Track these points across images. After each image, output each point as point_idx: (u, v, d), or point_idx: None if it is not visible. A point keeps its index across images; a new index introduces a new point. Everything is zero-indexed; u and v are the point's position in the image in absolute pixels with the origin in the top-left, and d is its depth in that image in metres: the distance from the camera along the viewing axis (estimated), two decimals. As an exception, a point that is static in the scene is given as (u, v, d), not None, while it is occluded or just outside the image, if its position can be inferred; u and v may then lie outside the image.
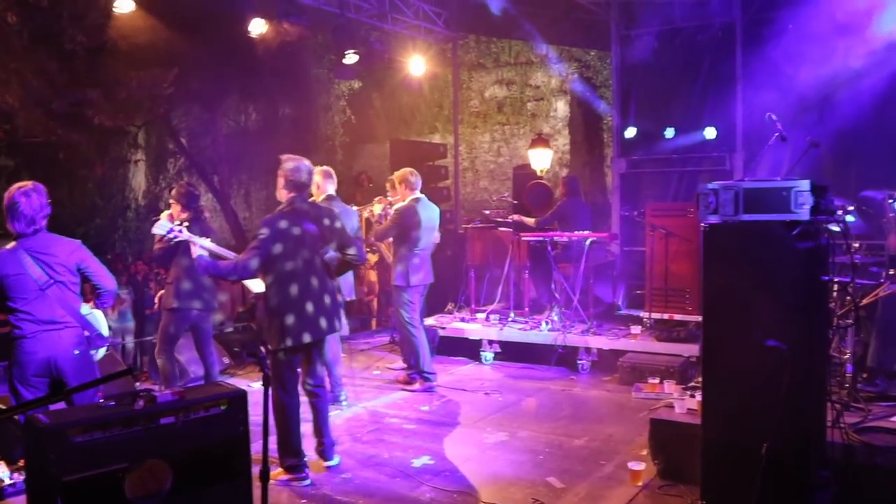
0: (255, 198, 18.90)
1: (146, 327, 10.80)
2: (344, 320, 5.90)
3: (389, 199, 7.27)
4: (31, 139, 13.32)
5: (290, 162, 4.78)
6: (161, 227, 4.97)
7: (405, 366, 7.24)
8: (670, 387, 6.06)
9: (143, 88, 14.77)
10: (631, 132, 9.93)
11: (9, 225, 4.31)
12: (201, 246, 4.87)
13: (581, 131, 14.16)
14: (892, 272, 5.74)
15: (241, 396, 3.64)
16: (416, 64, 11.30)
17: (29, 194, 4.28)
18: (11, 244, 4.30)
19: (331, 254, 4.84)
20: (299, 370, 4.86)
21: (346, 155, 16.55)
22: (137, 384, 6.45)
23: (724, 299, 3.79)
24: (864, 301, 5.46)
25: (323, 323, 4.72)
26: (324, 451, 4.93)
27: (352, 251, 4.88)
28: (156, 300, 6.26)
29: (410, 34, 11.28)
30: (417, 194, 6.83)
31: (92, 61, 12.38)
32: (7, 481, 4.51)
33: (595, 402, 6.51)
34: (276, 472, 4.66)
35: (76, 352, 4.36)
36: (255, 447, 3.71)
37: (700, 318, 4.47)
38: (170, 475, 3.41)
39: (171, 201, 6.13)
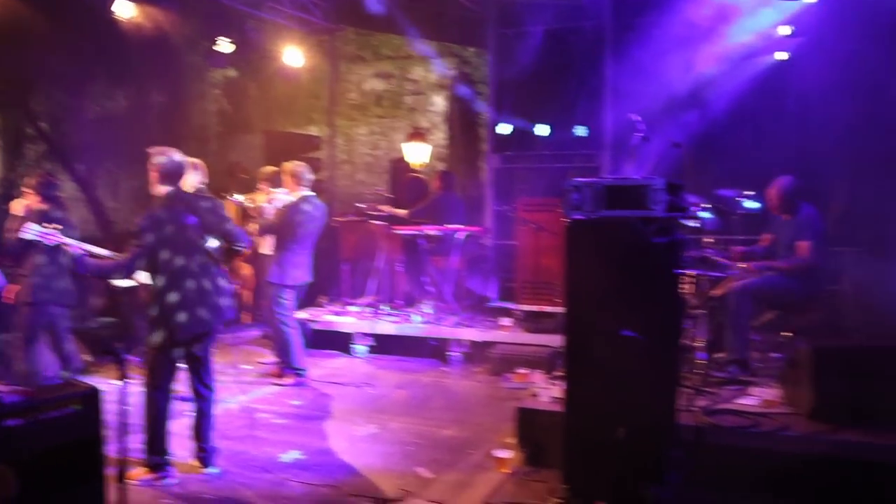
0: (123, 187, 17.98)
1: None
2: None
3: (276, 192, 7.07)
4: None
5: (160, 155, 4.62)
6: (30, 231, 4.67)
7: (276, 360, 7.12)
8: (538, 376, 6.24)
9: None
10: (505, 128, 10.13)
11: None
12: (78, 246, 4.62)
13: (458, 126, 14.29)
14: (741, 265, 6.13)
15: (94, 395, 3.48)
16: (293, 55, 11.11)
17: None
18: None
19: (217, 243, 4.72)
20: (185, 370, 4.72)
21: (220, 145, 16.01)
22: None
23: (584, 291, 3.94)
24: (716, 292, 5.81)
25: (207, 316, 4.60)
26: (206, 457, 4.75)
27: (232, 239, 4.80)
28: (4, 293, 5.87)
29: (287, 24, 11.07)
30: (306, 191, 6.71)
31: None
32: None
33: (465, 393, 6.62)
34: (138, 472, 4.49)
35: None
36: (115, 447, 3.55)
37: (567, 310, 4.63)
38: (14, 480, 3.22)
39: (25, 190, 5.78)
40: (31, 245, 5.37)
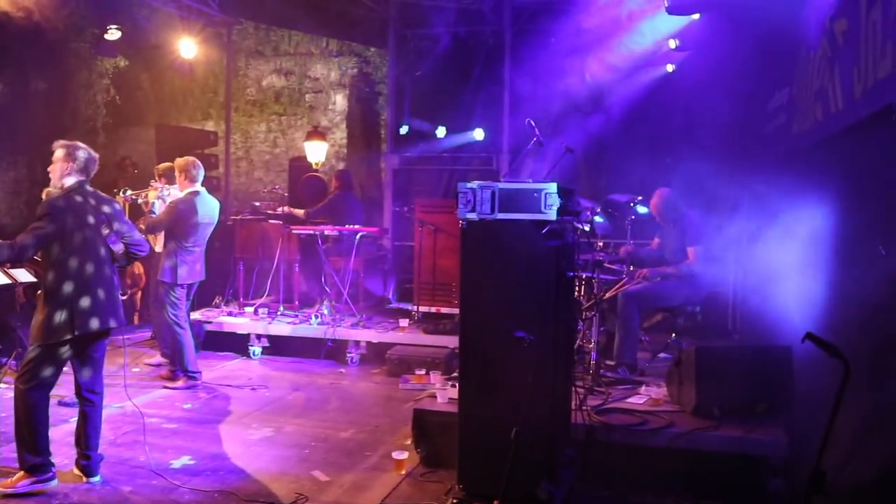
0: (1, 179, 17.09)
1: None
2: None
3: (167, 188, 6.83)
4: None
5: (79, 149, 4.48)
6: None
7: (164, 361, 6.90)
8: (436, 378, 6.28)
9: None
10: (404, 129, 10.16)
11: None
12: None
13: (359, 126, 14.23)
14: (631, 268, 6.37)
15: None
16: (188, 46, 10.77)
17: None
18: None
19: (119, 245, 4.54)
20: (70, 372, 4.50)
21: (109, 138, 15.35)
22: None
23: (478, 292, 3.99)
24: (607, 295, 6.00)
25: (104, 316, 4.41)
26: (89, 465, 4.51)
27: (139, 243, 4.71)
28: None
29: (182, 14, 10.72)
30: (197, 187, 6.50)
31: None
32: None
33: (363, 395, 6.58)
34: (15, 478, 4.24)
35: None
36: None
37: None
38: None
39: None
40: None
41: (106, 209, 4.54)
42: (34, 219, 4.28)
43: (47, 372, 4.30)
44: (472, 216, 3.95)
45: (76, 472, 4.54)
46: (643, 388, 5.36)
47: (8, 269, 6.29)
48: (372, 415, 5.96)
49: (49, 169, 4.51)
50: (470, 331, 4.02)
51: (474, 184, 3.94)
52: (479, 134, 9.84)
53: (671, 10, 7.08)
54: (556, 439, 4.05)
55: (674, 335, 6.45)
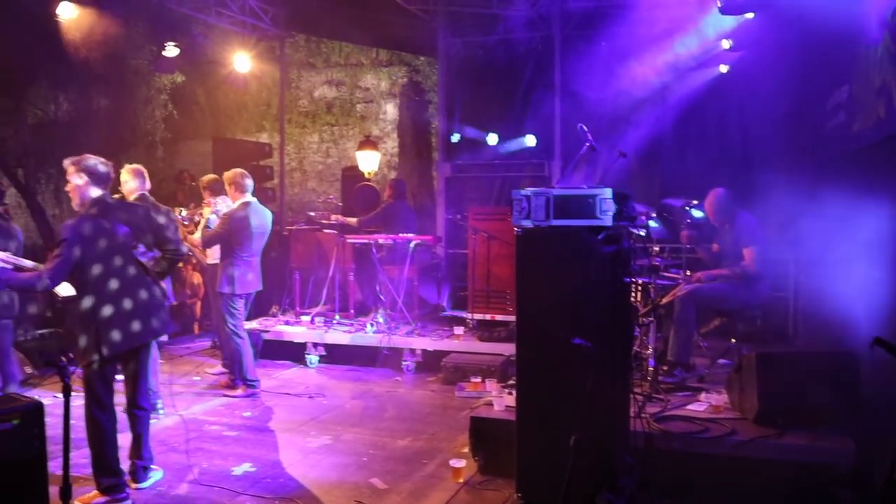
0: (65, 194, 17.55)
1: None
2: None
3: (219, 202, 6.95)
4: None
5: (88, 160, 4.41)
6: None
7: (224, 370, 7.03)
8: (491, 385, 6.26)
9: (-70, 71, 13.39)
10: (456, 137, 10.19)
11: None
12: (1, 258, 4.45)
13: (410, 135, 14.34)
14: (688, 273, 6.26)
15: (36, 410, 3.39)
16: (242, 61, 11.00)
17: None
18: None
19: (149, 254, 4.59)
20: (121, 383, 4.58)
21: (167, 152, 15.76)
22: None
23: (535, 300, 3.97)
24: (664, 300, 5.91)
25: (140, 329, 4.42)
26: (138, 473, 4.61)
27: (170, 247, 4.67)
28: None
29: (236, 29, 10.95)
30: (248, 197, 6.60)
31: None
32: None
33: (419, 403, 6.60)
34: (91, 495, 4.33)
35: None
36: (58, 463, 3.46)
37: (518, 318, 4.69)
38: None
39: None
40: None
41: (133, 219, 4.49)
42: (54, 245, 4.26)
43: (98, 389, 4.36)
44: (527, 223, 3.94)
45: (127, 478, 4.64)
46: (703, 395, 5.25)
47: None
48: (428, 423, 5.97)
49: (67, 189, 4.47)
50: (527, 338, 4.01)
51: (528, 191, 3.93)
52: (530, 140, 9.81)
53: (724, 10, 6.97)
54: (616, 447, 4.01)
55: (733, 340, 6.32)
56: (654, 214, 6.93)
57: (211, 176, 7.33)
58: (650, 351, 5.61)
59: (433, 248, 9.23)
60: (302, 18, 11.56)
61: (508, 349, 7.09)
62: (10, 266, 4.45)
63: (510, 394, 5.00)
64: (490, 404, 5.14)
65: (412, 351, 7.57)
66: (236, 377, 6.68)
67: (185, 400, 6.44)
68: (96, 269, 4.26)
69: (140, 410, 4.64)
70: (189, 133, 15.77)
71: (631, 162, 8.48)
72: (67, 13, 9.20)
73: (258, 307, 8.05)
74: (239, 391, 6.63)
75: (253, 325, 7.90)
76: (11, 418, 3.31)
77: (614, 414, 4.00)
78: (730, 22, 7.78)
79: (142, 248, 4.51)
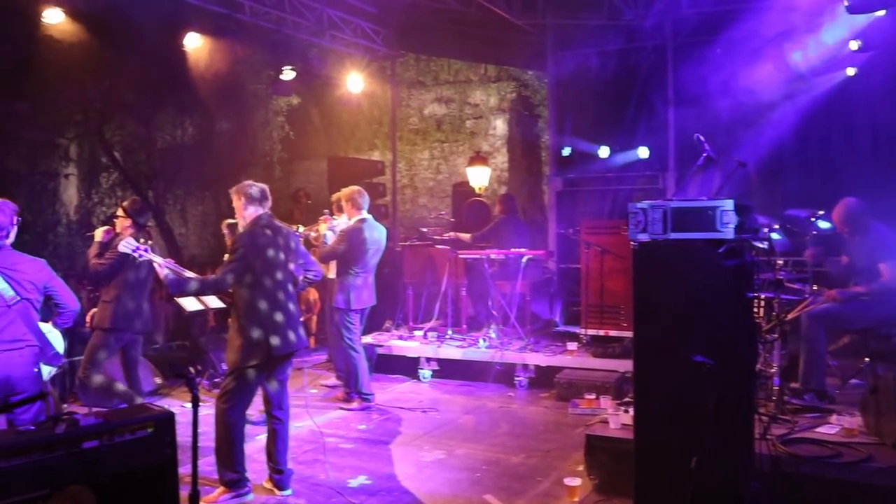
0: (191, 213, 18.52)
1: (76, 346, 10.46)
2: None
3: (334, 218, 7.15)
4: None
5: (249, 186, 4.77)
6: (127, 245, 4.78)
7: (338, 382, 7.18)
8: (606, 402, 6.14)
9: (74, 101, 14.42)
10: (567, 151, 10.09)
11: None
12: (165, 265, 4.72)
13: (519, 149, 14.33)
14: (815, 288, 5.94)
15: (168, 419, 3.55)
16: (355, 81, 11.31)
17: None
18: None
19: (299, 271, 4.90)
20: (261, 392, 4.80)
21: (284, 171, 16.37)
22: (65, 406, 6.22)
23: (653, 316, 3.86)
24: (790, 316, 5.63)
25: (293, 337, 4.69)
26: (281, 479, 4.79)
27: (314, 269, 5.05)
28: (87, 318, 6.05)
29: (349, 51, 11.28)
30: (364, 214, 6.76)
31: (20, 73, 12.03)
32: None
33: (532, 419, 6.54)
34: (217, 493, 4.57)
35: (35, 370, 4.29)
36: (186, 469, 3.61)
37: (633, 334, 4.58)
38: (93, 501, 3.30)
39: (119, 215, 5.92)
40: (119, 268, 5.56)
41: (287, 239, 4.82)
42: (229, 252, 4.60)
43: (243, 393, 4.62)
44: (644, 237, 3.84)
45: (267, 485, 4.82)
46: (834, 417, 4.95)
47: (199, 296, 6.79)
48: (542, 439, 5.90)
49: (236, 213, 4.82)
50: (644, 355, 3.90)
51: (645, 203, 3.83)
52: (643, 152, 9.61)
53: (852, 10, 6.62)
54: (740, 470, 3.83)
55: (867, 360, 5.94)
56: (776, 226, 6.64)
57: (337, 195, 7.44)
58: (775, 369, 5.35)
59: (545, 263, 9.15)
60: (412, 38, 11.78)
61: (623, 366, 6.93)
62: (172, 273, 4.72)
63: (626, 412, 4.88)
64: (605, 422, 5.03)
65: (525, 366, 7.52)
66: (352, 390, 6.81)
67: (302, 412, 6.59)
68: (264, 277, 4.57)
69: (283, 413, 4.85)
70: (305, 153, 16.32)
71: (751, 172, 8.18)
72: (193, 43, 9.70)
73: (372, 322, 8.19)
74: (354, 404, 6.76)
75: (367, 339, 8.04)
76: (146, 426, 3.48)
77: (738, 435, 3.83)
78: (858, 21, 7.38)
79: (293, 264, 4.83)
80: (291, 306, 4.73)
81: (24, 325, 4.25)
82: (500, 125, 14.48)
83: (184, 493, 3.53)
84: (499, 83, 14.52)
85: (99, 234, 5.87)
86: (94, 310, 5.89)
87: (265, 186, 5.11)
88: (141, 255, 4.78)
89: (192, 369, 3.23)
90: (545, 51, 10.34)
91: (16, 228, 4.37)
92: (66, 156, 17.47)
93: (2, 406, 3.93)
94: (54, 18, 8.57)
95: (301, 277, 4.96)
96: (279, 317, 4.61)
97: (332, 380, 7.55)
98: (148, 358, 7.27)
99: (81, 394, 6.91)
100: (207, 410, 4.86)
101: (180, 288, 4.62)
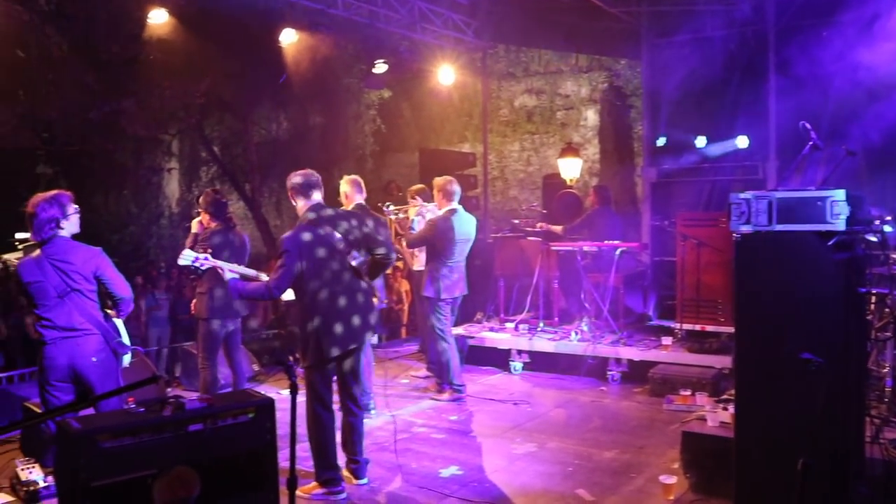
0: (285, 206, 19.04)
1: (179, 333, 10.93)
2: None
3: (426, 206, 7.19)
4: (69, 148, 13.61)
5: (290, 176, 4.72)
6: (185, 257, 4.91)
7: (429, 373, 7.25)
8: (702, 399, 5.97)
9: (177, 98, 15.04)
10: (661, 141, 9.85)
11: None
12: (230, 269, 4.85)
13: (611, 140, 14.11)
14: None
15: (268, 405, 3.65)
16: (446, 73, 11.34)
17: (44, 203, 4.37)
18: (37, 252, 4.38)
19: (359, 258, 4.82)
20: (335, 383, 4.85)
21: (375, 164, 16.63)
22: (169, 391, 6.49)
23: (757, 311, 3.72)
24: (904, 313, 5.33)
25: (356, 333, 4.65)
26: (358, 469, 4.84)
27: (381, 251, 4.79)
28: (192, 306, 6.31)
29: (440, 44, 11.31)
30: (454, 205, 6.75)
31: (127, 71, 12.61)
32: (42, 484, 4.56)
33: (625, 414, 6.42)
34: (311, 486, 4.62)
35: (94, 359, 4.41)
36: (284, 455, 3.70)
37: (733, 330, 4.41)
38: (198, 482, 3.42)
39: (199, 210, 6.16)
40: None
41: (352, 226, 4.66)
42: (275, 256, 4.53)
43: (319, 388, 4.63)
44: (747, 228, 3.70)
45: (345, 473, 4.86)
46: (953, 420, 4.68)
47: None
48: (636, 435, 5.79)
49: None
50: (747, 351, 3.77)
51: (748, 194, 3.69)
52: (742, 141, 9.28)
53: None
54: (849, 474, 3.66)
55: None
56: (889, 218, 6.29)
57: (419, 186, 7.59)
58: (887, 369, 5.08)
59: (639, 256, 8.97)
60: (503, 29, 11.73)
61: (720, 362, 6.72)
62: (237, 275, 4.84)
63: (725, 409, 4.72)
64: (703, 419, 4.88)
65: (618, 361, 7.39)
66: (443, 381, 6.84)
67: (395, 402, 6.68)
68: (315, 275, 4.48)
69: (357, 405, 4.85)
70: (395, 145, 16.52)
71: (860, 161, 7.78)
72: (288, 39, 9.92)
73: (464, 313, 8.22)
74: (445, 395, 6.79)
75: (459, 330, 8.05)
76: (248, 412, 3.60)
77: (847, 437, 3.66)
78: None
79: (355, 253, 4.73)
80: (350, 300, 4.60)
81: (79, 315, 4.37)
82: (591, 116, 14.29)
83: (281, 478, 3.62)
84: (590, 73, 14.33)
85: (194, 225, 6.11)
86: (196, 300, 6.12)
87: (349, 180, 5.15)
88: (202, 265, 4.87)
89: (290, 357, 3.31)
90: (640, 39, 10.11)
91: (75, 217, 4.47)
92: (169, 151, 18.26)
93: (91, 398, 4.11)
94: (159, 19, 8.90)
95: (363, 265, 4.83)
96: (334, 316, 4.52)
97: (423, 371, 7.60)
98: (245, 346, 7.49)
99: (184, 379, 7.21)
100: (303, 398, 4.96)
101: (240, 293, 4.67)
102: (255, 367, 7.66)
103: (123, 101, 13.15)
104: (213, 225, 5.92)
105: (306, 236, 4.48)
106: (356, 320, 4.64)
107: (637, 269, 8.97)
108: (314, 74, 13.37)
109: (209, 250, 5.17)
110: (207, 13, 10.82)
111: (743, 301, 3.80)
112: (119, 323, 4.70)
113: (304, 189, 4.64)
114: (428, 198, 7.19)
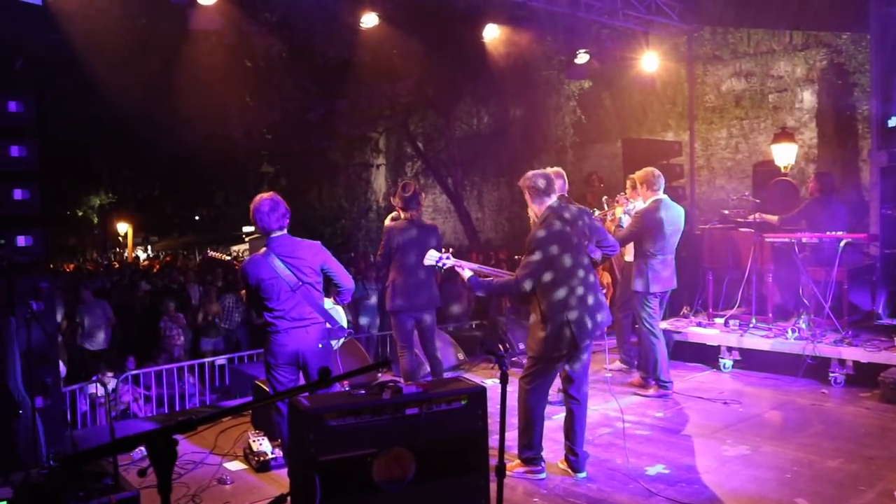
0: (486, 199, 19.45)
1: (387, 321, 11.51)
2: None
3: (630, 201, 7.04)
4: (290, 147, 14.76)
5: (533, 178, 4.75)
6: (430, 258, 5.18)
7: (623, 366, 7.20)
8: (946, 408, 5.40)
9: (384, 97, 15.80)
10: (894, 121, 8.96)
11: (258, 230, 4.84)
12: (469, 267, 5.04)
13: (831, 123, 13.05)
14: None
15: (481, 392, 3.76)
16: (649, 60, 11.02)
17: (268, 204, 4.73)
18: (263, 249, 4.79)
19: (597, 252, 4.88)
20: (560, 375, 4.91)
21: (576, 155, 16.50)
22: (379, 375, 6.84)
23: None
24: None
25: (594, 324, 4.68)
26: (576, 461, 4.86)
27: (608, 243, 4.98)
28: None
29: (643, 29, 11.00)
30: (660, 195, 6.57)
31: (340, 74, 13.44)
32: (270, 455, 5.03)
33: (851, 421, 5.92)
34: (513, 465, 4.78)
35: (320, 345, 4.81)
36: (492, 441, 3.79)
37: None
38: (413, 463, 3.59)
39: (394, 201, 6.37)
40: (390, 256, 6.07)
41: (583, 220, 4.76)
42: (525, 253, 4.62)
43: (544, 378, 4.74)
44: None
45: (562, 465, 4.91)
46: None
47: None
48: (864, 444, 5.32)
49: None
50: None
51: None
52: None
53: None
54: None
55: None
56: None
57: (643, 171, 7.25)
58: None
59: (866, 248, 8.22)
60: (710, 9, 11.19)
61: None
62: (475, 276, 5.00)
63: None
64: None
65: (841, 362, 6.83)
66: (649, 376, 6.68)
67: (598, 395, 6.59)
68: (561, 273, 4.58)
69: (581, 394, 4.89)
70: (596, 136, 16.31)
71: None
72: (491, 34, 10.06)
73: (670, 307, 7.96)
74: (651, 391, 6.63)
75: (664, 325, 7.81)
76: (461, 398, 3.73)
77: None
78: None
79: (591, 246, 4.81)
80: (592, 291, 4.68)
81: (308, 305, 4.76)
82: (807, 97, 13.30)
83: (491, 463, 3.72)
84: (806, 51, 13.33)
85: (387, 221, 6.39)
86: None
87: (552, 172, 5.14)
88: (444, 265, 5.11)
89: (501, 347, 3.39)
90: (867, 8, 9.23)
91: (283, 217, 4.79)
92: (377, 148, 19.26)
93: (332, 377, 4.40)
94: (369, 22, 9.33)
95: (598, 255, 4.89)
96: (580, 309, 4.58)
97: (617, 363, 7.48)
98: (451, 335, 7.73)
99: (393, 365, 7.57)
100: (512, 388, 5.04)
101: (481, 290, 4.91)
102: (460, 356, 7.87)
103: (337, 102, 14.00)
104: (405, 215, 6.15)
105: (554, 234, 4.60)
106: (596, 312, 4.70)
107: (864, 263, 8.22)
108: (514, 68, 13.51)
109: (451, 249, 5.41)
110: (412, 14, 11.25)
111: None
112: (339, 309, 5.09)
113: (548, 190, 4.76)
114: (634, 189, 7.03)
